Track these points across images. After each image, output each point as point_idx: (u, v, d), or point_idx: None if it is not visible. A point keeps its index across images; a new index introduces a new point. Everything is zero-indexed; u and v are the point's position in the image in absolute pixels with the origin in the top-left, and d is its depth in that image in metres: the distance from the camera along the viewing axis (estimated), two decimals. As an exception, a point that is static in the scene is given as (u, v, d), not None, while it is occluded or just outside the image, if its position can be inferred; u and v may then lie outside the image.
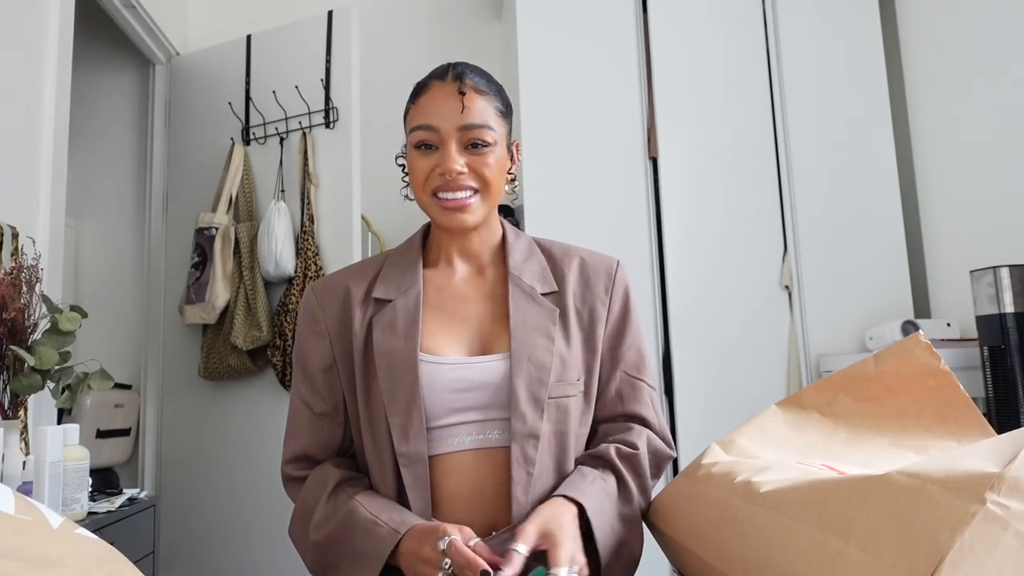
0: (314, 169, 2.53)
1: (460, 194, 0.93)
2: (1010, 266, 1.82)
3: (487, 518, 0.90)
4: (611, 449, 0.94)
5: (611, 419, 1.00)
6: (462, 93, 0.93)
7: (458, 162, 0.92)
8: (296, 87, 2.55)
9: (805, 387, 1.20)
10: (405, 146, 1.00)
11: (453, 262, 1.02)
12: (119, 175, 3.04)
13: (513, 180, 1.03)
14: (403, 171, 1.02)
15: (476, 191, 0.95)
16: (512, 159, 1.01)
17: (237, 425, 2.54)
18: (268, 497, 2.42)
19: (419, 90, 0.97)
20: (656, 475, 0.99)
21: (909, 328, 2.09)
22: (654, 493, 0.98)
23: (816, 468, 0.74)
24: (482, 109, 0.94)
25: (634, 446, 0.95)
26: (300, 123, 2.57)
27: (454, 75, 0.95)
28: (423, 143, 0.94)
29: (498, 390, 0.92)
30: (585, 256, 1.04)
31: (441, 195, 0.94)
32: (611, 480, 0.93)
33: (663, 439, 1.01)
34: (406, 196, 1.05)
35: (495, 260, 1.03)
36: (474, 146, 0.93)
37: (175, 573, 2.56)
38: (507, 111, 1.00)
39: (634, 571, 0.92)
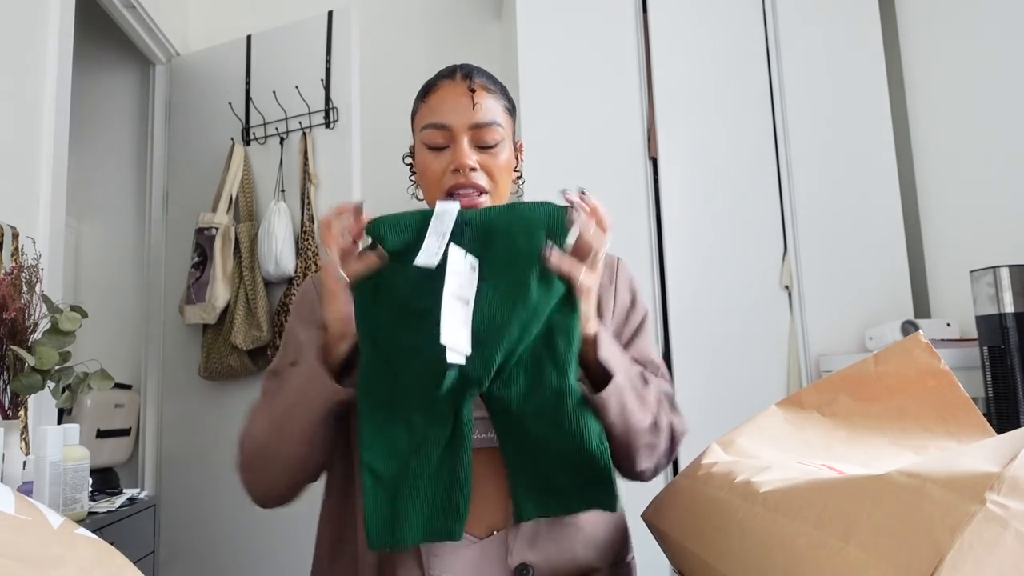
0: (314, 169, 2.53)
1: (470, 191, 0.94)
2: (1010, 266, 1.82)
3: (487, 518, 0.90)
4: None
5: None
6: (472, 91, 0.94)
7: (471, 157, 0.93)
8: (296, 87, 2.55)
9: (805, 387, 1.20)
10: (412, 145, 1.01)
11: None
12: (119, 175, 3.04)
13: (519, 178, 1.03)
14: (410, 170, 1.02)
15: (486, 191, 0.95)
16: (517, 158, 1.02)
17: (237, 425, 2.52)
18: (268, 497, 2.41)
19: (428, 89, 0.98)
20: (672, 447, 0.99)
21: (909, 328, 2.09)
22: (653, 494, 0.98)
23: (816, 468, 0.73)
24: (491, 107, 0.95)
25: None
26: (300, 123, 2.57)
27: (463, 74, 0.96)
28: (435, 141, 0.95)
29: None
30: None
31: (455, 194, 0.94)
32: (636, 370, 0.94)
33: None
34: (414, 195, 1.05)
35: None
36: (485, 145, 0.94)
37: (175, 573, 2.56)
38: (512, 110, 1.01)
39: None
